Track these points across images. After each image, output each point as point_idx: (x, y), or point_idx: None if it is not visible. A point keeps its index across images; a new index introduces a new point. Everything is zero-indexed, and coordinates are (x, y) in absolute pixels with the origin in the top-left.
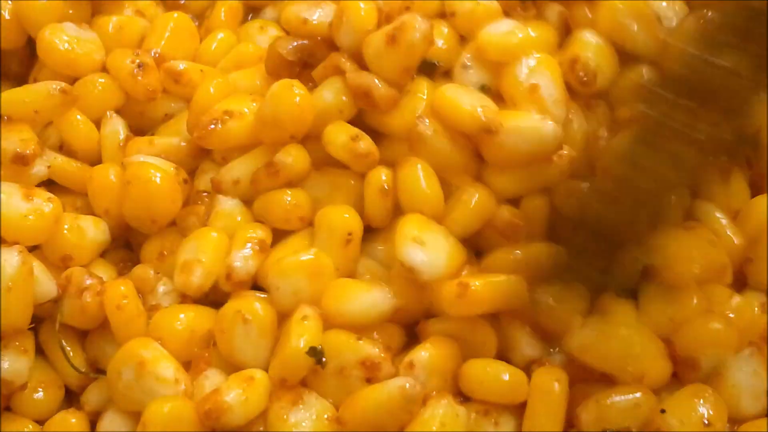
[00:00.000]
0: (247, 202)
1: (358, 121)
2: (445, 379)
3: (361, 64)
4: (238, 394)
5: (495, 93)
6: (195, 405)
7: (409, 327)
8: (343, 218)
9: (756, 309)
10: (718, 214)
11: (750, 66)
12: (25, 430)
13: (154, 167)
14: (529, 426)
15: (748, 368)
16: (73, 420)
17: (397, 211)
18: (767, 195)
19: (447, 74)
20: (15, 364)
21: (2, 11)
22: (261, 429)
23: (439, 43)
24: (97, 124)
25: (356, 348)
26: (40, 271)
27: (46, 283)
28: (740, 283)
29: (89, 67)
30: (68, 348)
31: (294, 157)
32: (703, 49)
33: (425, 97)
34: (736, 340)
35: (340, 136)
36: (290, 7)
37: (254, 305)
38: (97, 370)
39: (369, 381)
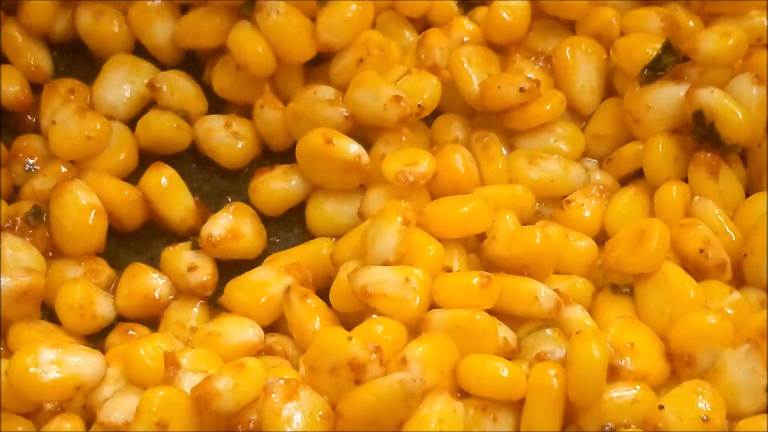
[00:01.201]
0: None
1: None
2: (442, 374)
3: None
4: (228, 381)
5: None
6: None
7: None
8: None
9: (755, 305)
10: (716, 211)
11: None
12: (20, 429)
13: None
14: (527, 422)
15: (747, 365)
16: (68, 425)
17: None
18: (766, 192)
19: None
20: None
21: None
22: (253, 417)
23: None
24: None
25: (346, 348)
26: None
27: None
28: (739, 280)
29: None
30: None
31: None
32: None
33: None
34: (731, 335)
35: None
36: None
37: None
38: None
39: (357, 383)
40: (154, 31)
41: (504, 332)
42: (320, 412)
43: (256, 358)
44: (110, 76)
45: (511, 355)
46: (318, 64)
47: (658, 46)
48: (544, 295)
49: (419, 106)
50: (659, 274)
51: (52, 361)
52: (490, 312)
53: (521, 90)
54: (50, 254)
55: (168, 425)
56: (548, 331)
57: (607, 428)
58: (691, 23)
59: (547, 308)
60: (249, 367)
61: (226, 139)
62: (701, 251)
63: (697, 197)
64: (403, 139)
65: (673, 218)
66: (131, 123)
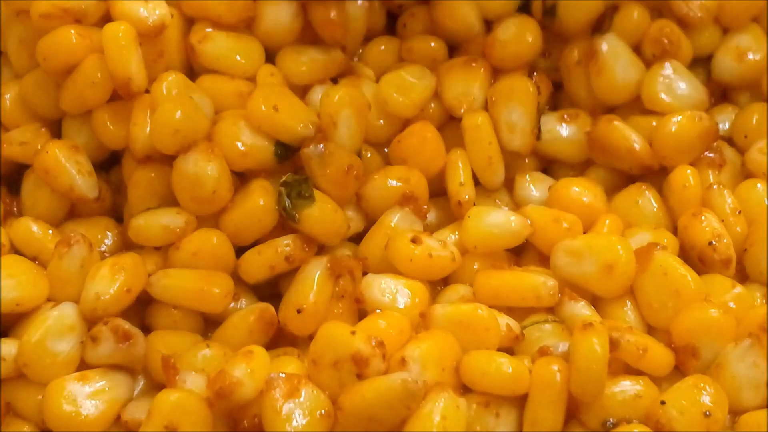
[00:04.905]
0: None
1: None
2: (443, 370)
3: None
4: (244, 368)
5: None
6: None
7: None
8: None
9: (756, 300)
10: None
11: None
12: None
13: None
14: (530, 417)
15: (748, 360)
16: None
17: None
18: (766, 188)
19: None
20: None
21: None
22: (257, 413)
23: None
24: None
25: (349, 342)
26: None
27: None
28: (743, 274)
29: None
30: None
31: None
32: None
33: None
34: (734, 329)
35: None
36: None
37: None
38: None
39: (359, 377)
40: None
41: (506, 320)
42: (321, 410)
43: (260, 347)
44: None
45: (515, 342)
46: None
47: None
48: (547, 285)
49: None
50: (657, 268)
51: (88, 395)
52: (495, 305)
53: None
54: None
55: (177, 428)
56: (549, 326)
57: (609, 423)
58: None
59: (550, 297)
60: (257, 353)
61: None
62: (710, 243)
63: (715, 186)
64: None
65: (686, 205)
66: None
